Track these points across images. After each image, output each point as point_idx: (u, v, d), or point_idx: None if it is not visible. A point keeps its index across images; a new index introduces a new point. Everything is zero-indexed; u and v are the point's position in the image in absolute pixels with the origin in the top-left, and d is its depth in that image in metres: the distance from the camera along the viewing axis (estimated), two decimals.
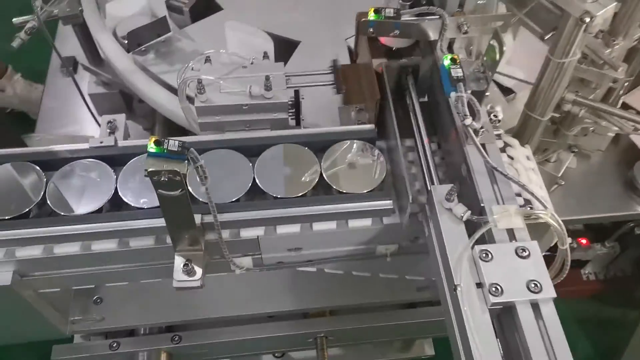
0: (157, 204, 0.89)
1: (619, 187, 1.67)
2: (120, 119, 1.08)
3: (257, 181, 0.97)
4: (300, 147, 1.00)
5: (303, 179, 0.98)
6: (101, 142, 1.02)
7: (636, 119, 1.23)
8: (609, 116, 1.29)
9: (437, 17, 0.96)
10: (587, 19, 0.94)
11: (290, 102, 1.04)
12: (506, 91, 1.48)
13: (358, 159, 0.99)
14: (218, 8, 1.52)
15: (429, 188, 0.94)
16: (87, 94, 1.66)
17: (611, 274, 2.25)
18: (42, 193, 0.97)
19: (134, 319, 1.31)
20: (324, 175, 0.98)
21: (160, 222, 0.92)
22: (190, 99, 1.09)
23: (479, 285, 0.79)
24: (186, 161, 0.79)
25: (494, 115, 1.09)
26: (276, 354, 1.79)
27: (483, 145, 0.93)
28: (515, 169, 1.06)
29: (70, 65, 1.72)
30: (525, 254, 0.80)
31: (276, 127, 1.07)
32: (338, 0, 1.50)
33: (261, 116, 1.05)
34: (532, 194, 0.88)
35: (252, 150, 1.01)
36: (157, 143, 0.79)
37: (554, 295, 0.78)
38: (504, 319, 0.81)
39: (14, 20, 1.33)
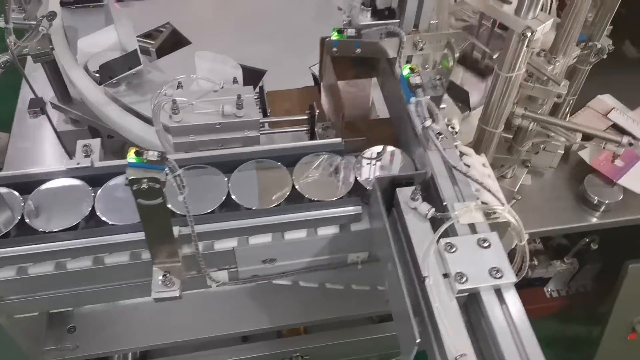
0: (133, 221, 0.93)
1: (572, 201, 1.77)
2: (96, 143, 1.12)
3: (231, 195, 1.02)
4: (272, 162, 1.05)
5: (275, 190, 1.02)
6: (78, 164, 1.05)
7: (579, 128, 1.33)
8: (556, 128, 1.39)
9: (395, 36, 1.04)
10: (528, 34, 1.04)
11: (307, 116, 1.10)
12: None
13: (327, 169, 1.05)
14: (187, 42, 1.59)
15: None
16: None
17: (573, 291, 2.33)
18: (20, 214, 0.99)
19: (108, 346, 1.31)
20: (295, 185, 1.03)
21: (136, 236, 0.95)
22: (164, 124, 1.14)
23: (446, 275, 0.84)
24: (165, 170, 0.84)
25: (451, 127, 1.17)
26: None
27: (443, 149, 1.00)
28: (472, 174, 1.13)
29: (40, 106, 1.75)
30: (486, 244, 0.86)
31: (248, 145, 1.13)
32: (301, 32, 1.59)
33: (233, 135, 1.10)
34: (489, 190, 0.94)
35: (226, 167, 1.06)
36: (137, 154, 0.83)
37: (514, 279, 0.84)
38: (471, 306, 0.86)
39: None
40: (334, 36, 1.02)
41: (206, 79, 1.18)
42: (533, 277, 2.23)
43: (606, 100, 1.98)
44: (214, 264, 1.05)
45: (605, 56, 1.48)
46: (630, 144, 1.27)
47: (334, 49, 1.04)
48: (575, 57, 1.33)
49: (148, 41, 1.63)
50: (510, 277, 0.83)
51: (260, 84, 1.19)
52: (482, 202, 1.00)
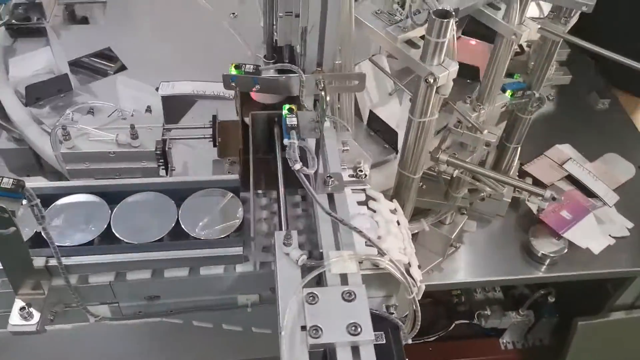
0: None
1: (518, 252, 1.72)
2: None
3: (111, 227, 0.98)
4: (160, 195, 1.02)
5: (159, 225, 0.99)
6: None
7: (502, 179, 1.29)
8: (482, 177, 1.34)
9: (296, 74, 1.02)
10: (431, 80, 1.00)
11: (157, 152, 1.07)
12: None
13: (215, 207, 1.01)
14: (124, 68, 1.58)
15: None
16: None
17: (529, 344, 2.25)
18: None
19: None
20: (180, 221, 0.99)
21: None
22: None
23: (304, 328, 0.80)
24: (21, 199, 0.80)
25: (360, 170, 1.14)
26: None
27: (331, 194, 0.97)
28: (375, 221, 1.09)
29: None
30: (351, 297, 0.81)
31: (148, 176, 1.10)
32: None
33: (130, 164, 1.08)
34: (369, 239, 0.90)
35: (116, 197, 1.02)
36: None
37: (372, 337, 0.79)
38: None
39: None
40: (232, 71, 1.00)
41: (115, 107, 1.16)
42: (487, 327, 2.16)
43: (564, 149, 1.94)
44: (93, 298, 1.01)
45: (544, 105, 1.44)
46: (554, 198, 1.22)
47: (233, 84, 1.02)
48: (504, 106, 1.29)
49: (104, 62, 1.62)
50: (368, 334, 0.78)
51: (214, 113, 1.16)
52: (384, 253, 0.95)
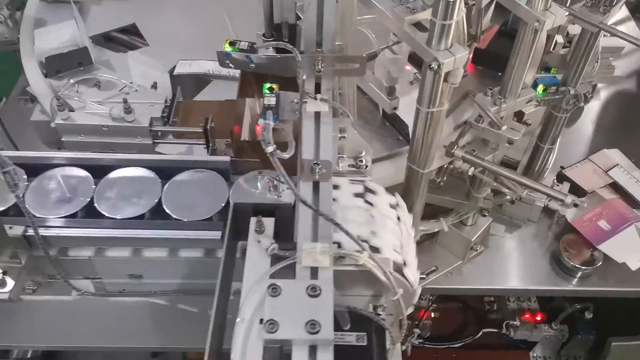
0: None
1: (547, 262, 1.60)
2: None
3: (94, 202, 0.96)
4: (146, 171, 0.99)
5: (141, 202, 0.96)
6: None
7: (521, 180, 1.18)
8: (504, 179, 1.24)
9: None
10: (435, 66, 0.93)
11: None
12: None
13: (201, 188, 0.98)
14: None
15: None
16: None
17: None
18: None
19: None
20: (162, 200, 0.96)
21: None
22: None
23: (262, 321, 0.75)
24: None
25: (360, 161, 1.07)
26: None
27: (317, 182, 0.91)
28: (371, 215, 1.02)
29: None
30: (315, 293, 0.75)
31: (143, 152, 1.08)
32: None
33: (124, 140, 1.06)
34: (347, 233, 0.83)
35: (102, 171, 1.01)
36: None
37: (331, 337, 0.73)
38: None
39: None
40: (226, 48, 0.95)
41: (120, 81, 1.14)
42: (517, 339, 2.03)
43: (611, 155, 1.79)
44: (75, 272, 1.00)
45: (582, 104, 1.32)
46: (576, 205, 1.11)
47: (227, 61, 0.97)
48: (530, 101, 1.19)
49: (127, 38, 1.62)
50: (328, 334, 0.72)
51: (175, 92, 1.14)
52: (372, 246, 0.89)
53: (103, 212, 0.95)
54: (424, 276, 1.49)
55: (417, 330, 1.90)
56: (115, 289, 1.03)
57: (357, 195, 1.05)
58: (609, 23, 1.19)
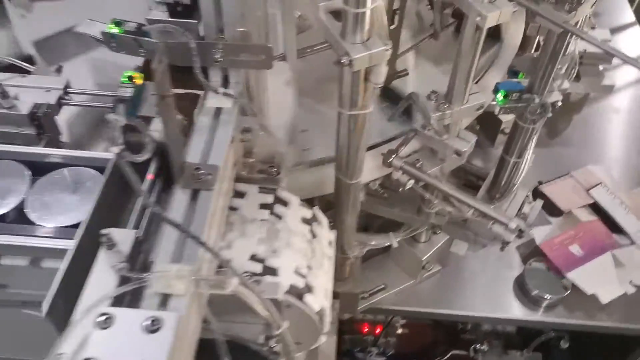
0: None
1: (510, 286, 1.46)
2: None
3: None
4: (16, 166, 0.87)
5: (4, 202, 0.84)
6: None
7: (460, 197, 1.03)
8: (438, 193, 1.10)
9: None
10: (345, 61, 0.78)
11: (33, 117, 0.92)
12: None
13: (73, 190, 0.85)
14: None
15: None
16: None
17: None
18: None
19: None
20: (25, 202, 0.84)
21: None
22: None
23: None
24: None
25: (271, 167, 0.94)
26: None
27: (196, 190, 0.77)
28: (276, 230, 0.89)
29: None
30: (154, 327, 0.62)
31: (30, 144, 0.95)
32: None
33: (4, 129, 0.94)
34: (211, 251, 0.70)
35: None
36: None
37: None
38: None
39: None
40: (110, 28, 0.82)
41: (17, 62, 1.02)
42: None
43: (595, 172, 1.63)
44: None
45: (549, 114, 1.16)
46: (521, 232, 0.96)
47: (113, 45, 0.84)
48: (480, 108, 1.03)
49: None
50: None
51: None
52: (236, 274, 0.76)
53: None
54: (366, 295, 1.35)
55: (374, 349, 1.77)
56: None
57: (264, 206, 0.92)
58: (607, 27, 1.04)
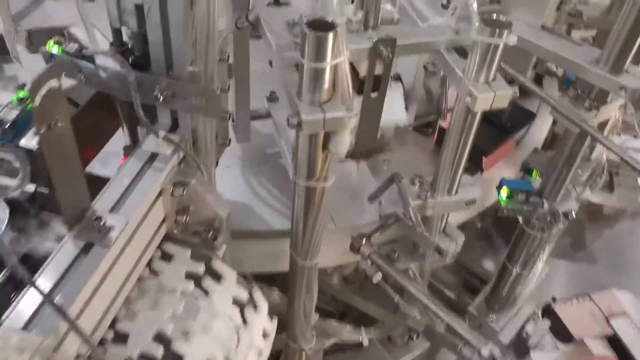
0: None
1: None
2: None
3: None
4: None
5: None
6: None
7: (438, 313, 0.85)
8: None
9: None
10: (294, 122, 0.66)
11: None
12: None
13: None
14: None
15: None
16: None
17: None
18: None
19: None
20: None
21: None
22: None
23: None
24: None
25: (206, 230, 0.80)
26: None
27: (90, 244, 0.65)
28: (196, 308, 0.74)
29: None
30: None
31: None
32: None
33: None
34: (65, 315, 0.56)
35: None
36: None
37: None
38: None
39: None
40: (49, 48, 0.73)
41: None
42: None
43: (620, 298, 1.41)
44: None
45: (561, 225, 0.99)
46: None
47: (54, 67, 0.75)
48: (470, 203, 0.88)
49: None
50: None
51: None
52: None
53: None
54: None
55: None
56: None
57: (191, 276, 0.78)
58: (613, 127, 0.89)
